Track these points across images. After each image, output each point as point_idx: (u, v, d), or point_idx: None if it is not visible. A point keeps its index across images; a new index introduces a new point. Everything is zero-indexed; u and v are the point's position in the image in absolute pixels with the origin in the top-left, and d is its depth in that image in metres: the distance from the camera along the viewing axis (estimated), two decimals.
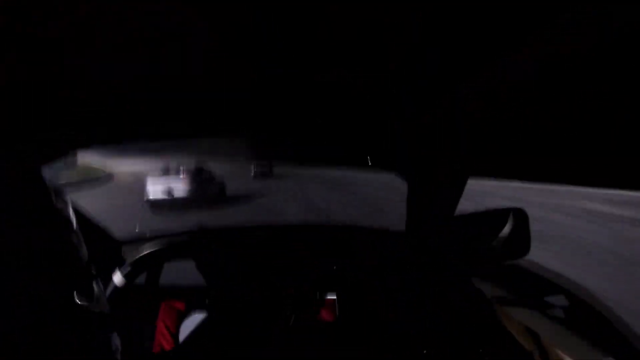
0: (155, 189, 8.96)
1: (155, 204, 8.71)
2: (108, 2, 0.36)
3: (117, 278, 1.10)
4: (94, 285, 0.53)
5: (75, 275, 0.49)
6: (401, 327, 1.07)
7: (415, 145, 0.93)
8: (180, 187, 9.00)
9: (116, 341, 0.57)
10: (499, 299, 1.04)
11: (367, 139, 0.98)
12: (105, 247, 1.25)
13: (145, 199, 8.80)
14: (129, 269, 1.11)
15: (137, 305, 1.17)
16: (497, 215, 0.94)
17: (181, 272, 1.29)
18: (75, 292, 0.47)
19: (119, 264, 1.13)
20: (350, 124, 0.90)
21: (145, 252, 1.20)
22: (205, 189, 9.49)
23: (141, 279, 1.16)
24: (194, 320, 1.12)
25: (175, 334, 1.15)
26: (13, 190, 0.43)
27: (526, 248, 0.91)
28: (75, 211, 0.62)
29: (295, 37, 0.46)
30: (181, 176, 9.22)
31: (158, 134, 0.85)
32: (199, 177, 9.56)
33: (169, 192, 8.84)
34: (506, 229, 0.90)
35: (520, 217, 0.91)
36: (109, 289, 1.09)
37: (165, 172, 9.37)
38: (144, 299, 1.20)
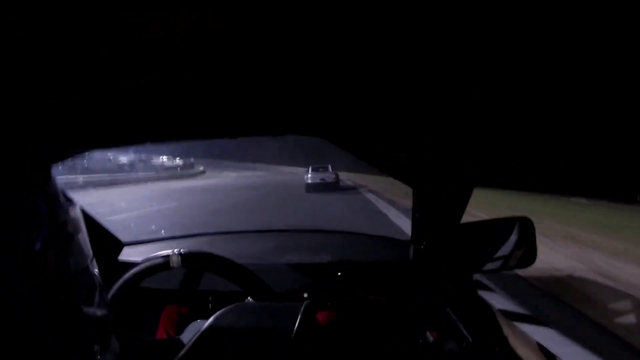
0: (312, 177, 16.43)
1: (309, 186, 16.07)
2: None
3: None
4: (96, 288, 0.52)
5: (78, 277, 0.48)
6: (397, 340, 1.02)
7: (422, 151, 0.91)
8: (327, 177, 16.72)
9: (115, 344, 0.56)
10: (507, 313, 1.01)
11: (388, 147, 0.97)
12: (107, 248, 1.27)
13: (305, 182, 16.14)
14: (131, 271, 1.00)
15: (139, 307, 1.10)
16: (503, 224, 0.94)
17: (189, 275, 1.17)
18: (76, 295, 0.46)
19: (122, 265, 1.03)
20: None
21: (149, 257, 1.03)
22: (337, 181, 17.39)
23: (146, 281, 1.04)
24: (197, 325, 0.98)
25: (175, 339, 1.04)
26: (22, 193, 0.41)
27: (533, 258, 0.91)
28: (82, 212, 0.60)
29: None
30: (329, 171, 17.03)
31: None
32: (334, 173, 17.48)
33: (323, 179, 16.43)
34: (512, 239, 0.91)
35: (526, 226, 0.92)
36: (111, 291, 1.01)
37: (316, 169, 16.95)
38: (146, 302, 1.12)
